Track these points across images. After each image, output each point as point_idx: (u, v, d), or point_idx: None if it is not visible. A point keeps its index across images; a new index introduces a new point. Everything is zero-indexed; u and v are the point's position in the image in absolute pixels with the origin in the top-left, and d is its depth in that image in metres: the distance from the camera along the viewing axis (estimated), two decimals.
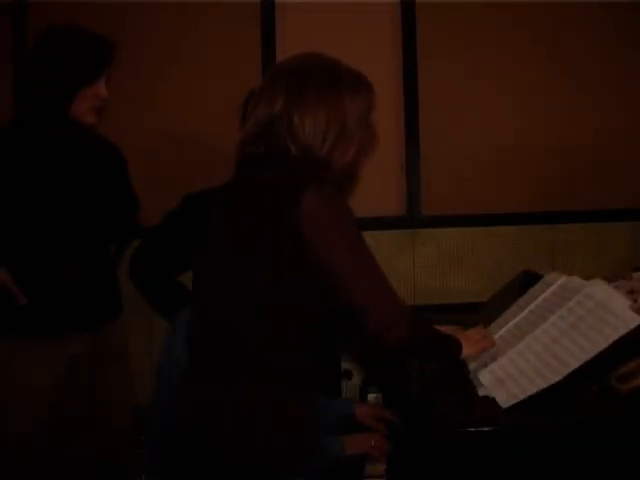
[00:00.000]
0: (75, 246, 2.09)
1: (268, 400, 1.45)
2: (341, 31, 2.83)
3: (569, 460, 1.37)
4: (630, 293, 1.75)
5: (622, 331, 1.45)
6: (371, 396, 2.25)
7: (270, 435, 1.44)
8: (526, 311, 1.75)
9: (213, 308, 1.54)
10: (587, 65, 2.86)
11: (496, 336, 1.73)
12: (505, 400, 1.47)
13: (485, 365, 1.62)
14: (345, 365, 2.83)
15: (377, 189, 2.85)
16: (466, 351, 1.61)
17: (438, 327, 1.60)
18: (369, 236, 1.71)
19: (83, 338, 2.12)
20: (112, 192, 2.19)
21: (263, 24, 2.86)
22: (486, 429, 1.40)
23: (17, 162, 2.04)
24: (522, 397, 1.45)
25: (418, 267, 2.87)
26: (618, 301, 1.52)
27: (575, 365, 1.45)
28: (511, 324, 1.76)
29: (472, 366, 1.65)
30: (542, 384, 1.45)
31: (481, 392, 1.54)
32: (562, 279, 1.76)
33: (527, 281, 1.99)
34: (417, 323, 1.52)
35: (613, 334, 1.45)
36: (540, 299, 1.75)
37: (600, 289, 1.58)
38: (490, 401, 1.49)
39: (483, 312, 2.14)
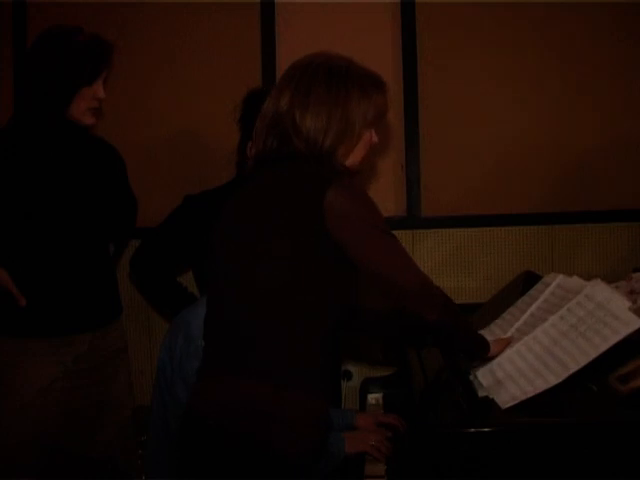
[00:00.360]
0: (74, 246, 2.09)
1: (270, 400, 1.45)
2: (341, 31, 2.83)
3: (569, 460, 1.37)
4: (630, 294, 1.75)
5: (622, 333, 1.45)
6: (371, 396, 2.24)
7: (272, 434, 1.44)
8: (526, 312, 1.75)
9: (219, 307, 1.55)
10: (587, 65, 2.85)
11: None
12: (504, 401, 1.47)
13: (485, 365, 1.62)
14: (345, 366, 2.83)
15: (377, 189, 2.84)
16: (493, 349, 1.60)
17: None
18: None
19: (83, 338, 2.12)
20: (110, 192, 2.19)
21: (263, 24, 2.86)
22: (486, 429, 1.40)
23: (16, 163, 2.04)
24: (522, 398, 1.45)
25: None
26: (618, 302, 1.51)
27: (575, 368, 1.45)
28: (511, 325, 1.76)
29: (472, 366, 1.66)
30: (542, 386, 1.45)
31: (481, 392, 1.54)
32: (561, 279, 1.76)
33: (528, 282, 1.99)
34: (452, 306, 1.54)
35: (613, 336, 1.45)
36: (540, 300, 1.75)
37: (600, 290, 1.58)
38: (490, 401, 1.49)
39: (483, 313, 2.14)
